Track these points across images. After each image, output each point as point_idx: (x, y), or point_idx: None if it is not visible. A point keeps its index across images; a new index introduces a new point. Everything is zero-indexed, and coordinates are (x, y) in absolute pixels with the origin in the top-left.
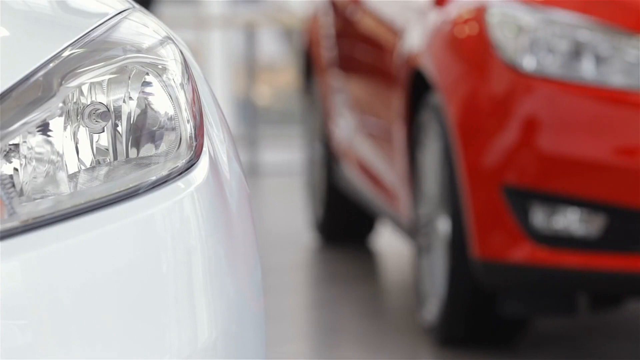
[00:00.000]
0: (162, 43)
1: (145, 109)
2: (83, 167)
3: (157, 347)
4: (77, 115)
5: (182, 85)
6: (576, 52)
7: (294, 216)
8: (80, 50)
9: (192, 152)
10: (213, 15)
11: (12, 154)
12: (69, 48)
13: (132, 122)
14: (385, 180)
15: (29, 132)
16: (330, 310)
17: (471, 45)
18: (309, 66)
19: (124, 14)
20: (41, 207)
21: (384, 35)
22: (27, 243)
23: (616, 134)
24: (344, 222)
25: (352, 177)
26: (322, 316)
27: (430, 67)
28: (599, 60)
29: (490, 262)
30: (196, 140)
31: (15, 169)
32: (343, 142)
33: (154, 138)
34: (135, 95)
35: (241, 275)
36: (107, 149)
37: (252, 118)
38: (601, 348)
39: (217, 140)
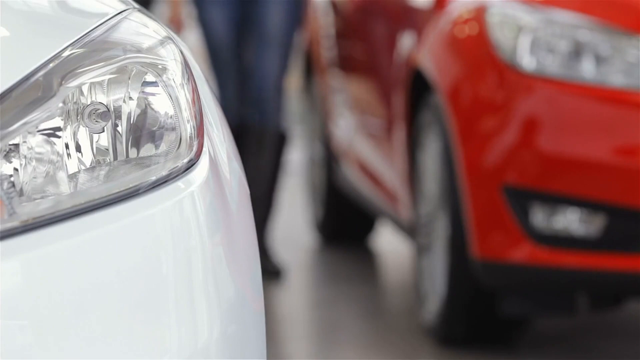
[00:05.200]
0: (162, 43)
1: (145, 109)
2: (83, 167)
3: (157, 347)
4: (77, 115)
5: (182, 85)
6: (576, 52)
7: (294, 216)
8: (80, 50)
9: (192, 152)
10: None
11: (12, 154)
12: (69, 48)
13: (132, 122)
14: (385, 180)
15: (29, 132)
16: (330, 310)
17: (471, 45)
18: (309, 66)
19: (124, 14)
20: (41, 207)
21: (384, 35)
22: (27, 243)
23: (616, 134)
24: (344, 222)
25: (352, 177)
26: (322, 316)
27: (430, 67)
28: (599, 60)
29: (490, 262)
30: (196, 140)
31: (15, 169)
32: (343, 142)
33: (154, 138)
34: (135, 95)
35: (241, 275)
36: (107, 149)
37: None
38: (601, 348)
39: (217, 140)
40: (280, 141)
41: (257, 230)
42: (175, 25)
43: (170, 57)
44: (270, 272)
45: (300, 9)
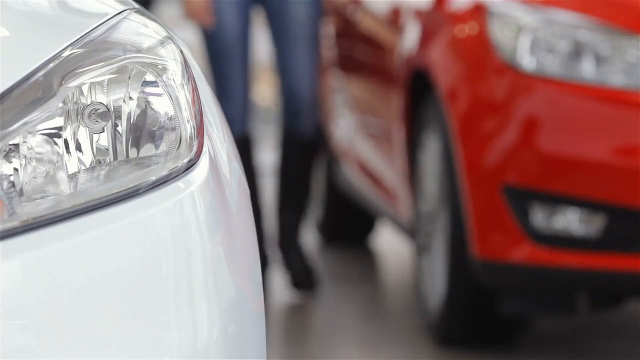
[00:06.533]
0: (162, 43)
1: (145, 109)
2: (83, 167)
3: (157, 347)
4: (77, 115)
5: (182, 85)
6: (576, 52)
7: None
8: (80, 50)
9: (192, 152)
10: None
11: (12, 154)
12: (69, 48)
13: (132, 122)
14: (385, 180)
15: (29, 132)
16: (330, 310)
17: (471, 45)
18: None
19: (124, 14)
20: (41, 207)
21: (384, 35)
22: (27, 243)
23: (616, 134)
24: (344, 222)
25: (352, 177)
26: (322, 316)
27: (430, 67)
28: (599, 60)
29: (490, 262)
30: (196, 140)
31: (15, 169)
32: (343, 142)
33: (154, 138)
34: (135, 95)
35: (241, 275)
36: (107, 149)
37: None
38: (601, 348)
39: (217, 140)
40: (313, 148)
41: (291, 238)
42: (198, 17)
43: (170, 57)
44: (308, 283)
45: (319, 5)
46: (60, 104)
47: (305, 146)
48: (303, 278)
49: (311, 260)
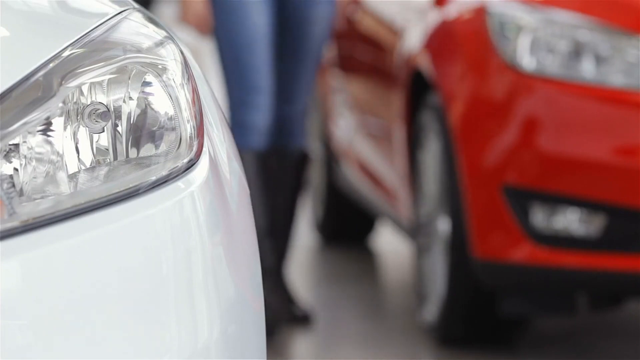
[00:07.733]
0: (162, 43)
1: (145, 109)
2: (83, 167)
3: (157, 347)
4: (77, 115)
5: (182, 85)
6: (576, 52)
7: None
8: (80, 50)
9: (192, 152)
10: None
11: (12, 154)
12: (69, 48)
13: (132, 122)
14: (385, 180)
15: (29, 132)
16: (330, 310)
17: (471, 45)
18: None
19: (124, 14)
20: (41, 207)
21: (384, 35)
22: (27, 243)
23: (616, 134)
24: (344, 222)
25: (352, 177)
26: (322, 316)
27: (430, 67)
28: (599, 60)
29: (490, 262)
30: (196, 140)
31: (15, 169)
32: (343, 142)
33: (154, 138)
34: (135, 95)
35: (241, 275)
36: (107, 149)
37: None
38: (601, 348)
39: (217, 140)
40: (302, 162)
41: (276, 264)
42: (197, 24)
43: (170, 57)
44: (298, 318)
45: (332, 21)
46: (60, 104)
47: (296, 165)
48: (283, 315)
49: (296, 295)
